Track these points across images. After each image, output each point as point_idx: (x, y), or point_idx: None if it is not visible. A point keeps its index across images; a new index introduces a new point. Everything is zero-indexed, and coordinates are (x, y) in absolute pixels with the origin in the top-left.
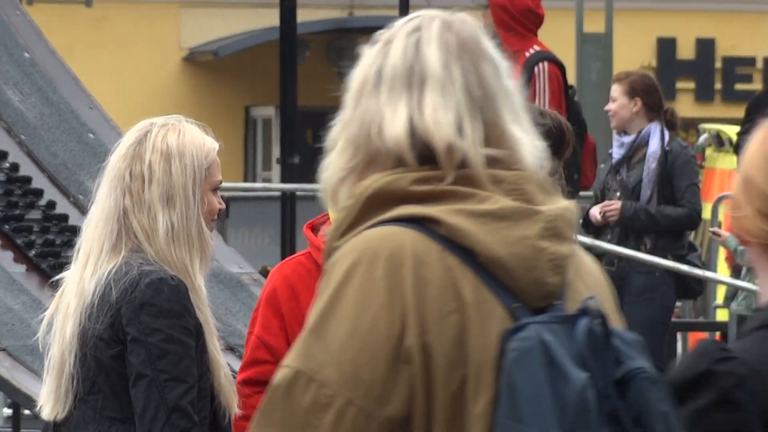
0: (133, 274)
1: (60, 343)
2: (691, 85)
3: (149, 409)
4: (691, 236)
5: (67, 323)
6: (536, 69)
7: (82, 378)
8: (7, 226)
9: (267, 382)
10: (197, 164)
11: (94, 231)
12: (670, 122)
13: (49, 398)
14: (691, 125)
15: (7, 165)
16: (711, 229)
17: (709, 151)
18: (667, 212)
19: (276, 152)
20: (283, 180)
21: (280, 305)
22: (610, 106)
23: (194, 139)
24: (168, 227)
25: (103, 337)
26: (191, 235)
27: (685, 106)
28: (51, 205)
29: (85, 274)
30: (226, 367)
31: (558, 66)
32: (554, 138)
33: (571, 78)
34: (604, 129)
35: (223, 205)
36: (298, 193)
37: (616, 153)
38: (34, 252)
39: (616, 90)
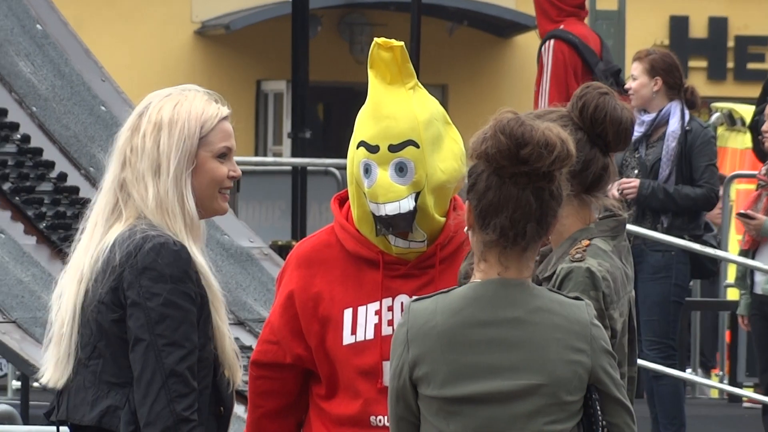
0: (137, 238)
1: (62, 310)
2: (704, 63)
3: (146, 373)
4: None
5: (70, 291)
6: (542, 48)
7: (83, 344)
8: (17, 198)
9: (269, 362)
10: (187, 133)
11: (100, 203)
12: (690, 101)
13: (49, 364)
14: (704, 104)
15: (19, 137)
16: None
17: (721, 130)
18: (685, 192)
19: (287, 126)
20: (294, 154)
21: (292, 283)
22: (630, 84)
23: (192, 108)
24: (155, 196)
25: (105, 301)
26: (173, 205)
27: (697, 85)
28: (62, 177)
29: (90, 243)
30: (231, 337)
31: (568, 43)
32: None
33: None
34: None
35: (237, 172)
36: (309, 168)
37: (636, 131)
38: (44, 224)
39: (636, 68)
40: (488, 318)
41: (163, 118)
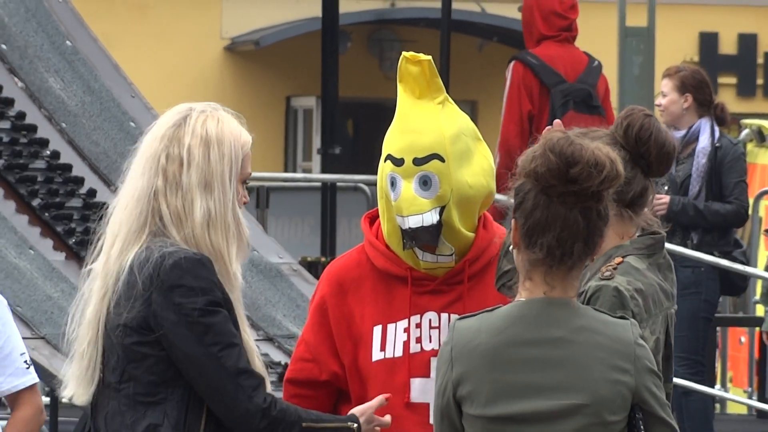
0: (154, 257)
1: (85, 325)
2: (733, 80)
3: (214, 384)
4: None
5: (89, 304)
6: (507, 69)
7: (112, 367)
8: (47, 214)
9: (305, 380)
10: (234, 154)
11: (123, 211)
12: (720, 117)
13: (71, 379)
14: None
15: (48, 153)
16: None
17: (750, 146)
18: (715, 208)
19: (316, 142)
20: (324, 170)
21: (326, 302)
22: (660, 101)
23: (232, 129)
24: (205, 213)
25: (132, 326)
26: (228, 222)
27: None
28: (91, 193)
29: (112, 254)
30: (257, 350)
31: (526, 64)
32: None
33: (612, 72)
34: None
35: (248, 199)
36: (339, 184)
37: None
38: (73, 240)
39: (666, 85)
40: (532, 337)
41: (209, 133)
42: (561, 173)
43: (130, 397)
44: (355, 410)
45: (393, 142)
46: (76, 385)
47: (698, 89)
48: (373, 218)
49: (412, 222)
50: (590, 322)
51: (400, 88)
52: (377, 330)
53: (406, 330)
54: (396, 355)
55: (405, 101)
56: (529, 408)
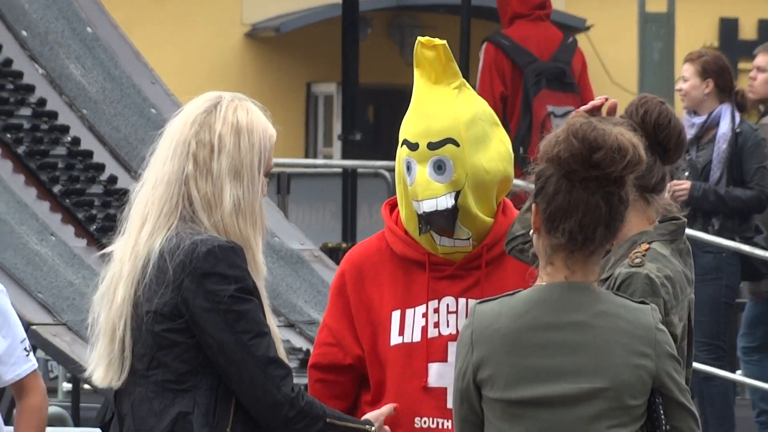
0: (185, 244)
1: (110, 307)
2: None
3: (245, 373)
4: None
5: (119, 287)
6: (480, 51)
7: (140, 354)
8: (68, 201)
9: (329, 364)
10: (263, 145)
11: (151, 194)
12: (740, 104)
13: (100, 363)
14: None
15: (69, 139)
16: None
17: None
18: (736, 194)
19: (337, 129)
20: (344, 156)
21: (347, 288)
22: (682, 86)
23: (261, 121)
24: (235, 201)
25: (163, 312)
26: (255, 211)
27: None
28: (112, 179)
29: (141, 236)
30: (280, 339)
31: (497, 45)
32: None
33: (632, 57)
34: None
35: (266, 192)
36: (359, 170)
37: (687, 133)
38: (95, 226)
39: (688, 70)
40: (552, 321)
41: (240, 122)
42: (584, 158)
43: (158, 384)
44: (369, 416)
45: (409, 126)
46: (107, 369)
47: (720, 75)
48: (394, 205)
49: (426, 206)
50: (611, 306)
51: (416, 73)
52: (396, 315)
53: (425, 315)
54: (414, 339)
55: (421, 86)
56: (549, 392)
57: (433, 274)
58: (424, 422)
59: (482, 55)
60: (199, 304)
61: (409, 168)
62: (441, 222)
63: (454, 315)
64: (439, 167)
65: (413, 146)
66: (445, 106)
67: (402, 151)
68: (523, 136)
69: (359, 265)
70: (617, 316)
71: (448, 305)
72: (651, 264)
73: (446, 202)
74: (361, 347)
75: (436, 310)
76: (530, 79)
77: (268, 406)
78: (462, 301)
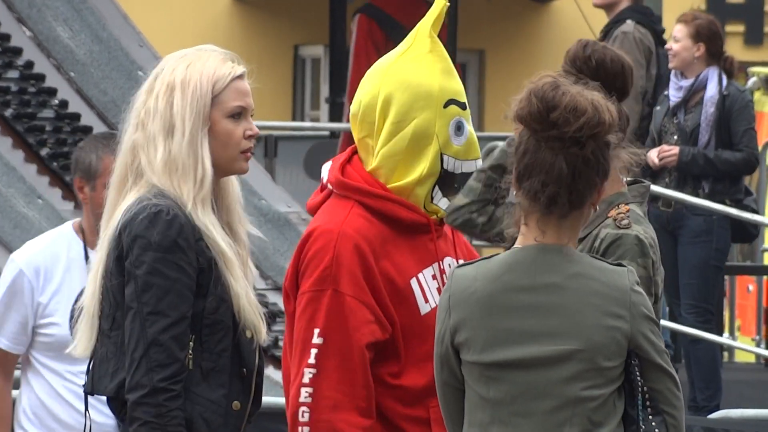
0: (138, 207)
1: (89, 282)
2: (741, 28)
3: (131, 342)
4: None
5: (93, 262)
6: (352, 22)
7: (105, 313)
8: (55, 164)
9: (375, 342)
10: (200, 93)
11: (116, 168)
12: (728, 71)
13: (77, 337)
14: (740, 69)
15: (57, 102)
16: None
17: (757, 95)
18: (725, 157)
19: (324, 92)
20: (332, 119)
21: (367, 264)
22: (672, 46)
23: (204, 68)
24: (166, 157)
25: (113, 271)
26: (186, 165)
27: (734, 50)
28: None
29: (108, 211)
30: (250, 296)
31: (370, 16)
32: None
33: None
34: None
35: (254, 130)
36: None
37: (674, 96)
38: None
39: (680, 31)
40: (526, 284)
41: (176, 78)
42: (542, 117)
43: (117, 346)
44: None
45: (450, 85)
46: (79, 341)
47: (712, 40)
48: (342, 167)
49: (480, 164)
50: (585, 268)
51: (431, 31)
52: (414, 283)
53: (434, 277)
54: (437, 302)
55: (438, 45)
56: (524, 354)
57: (432, 235)
58: None
59: (355, 27)
60: (126, 265)
61: (460, 128)
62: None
63: None
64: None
65: (462, 105)
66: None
67: (450, 111)
68: None
69: (370, 241)
70: (591, 278)
71: (450, 264)
72: (637, 225)
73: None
74: (391, 322)
75: (443, 271)
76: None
77: (132, 382)
78: (461, 262)
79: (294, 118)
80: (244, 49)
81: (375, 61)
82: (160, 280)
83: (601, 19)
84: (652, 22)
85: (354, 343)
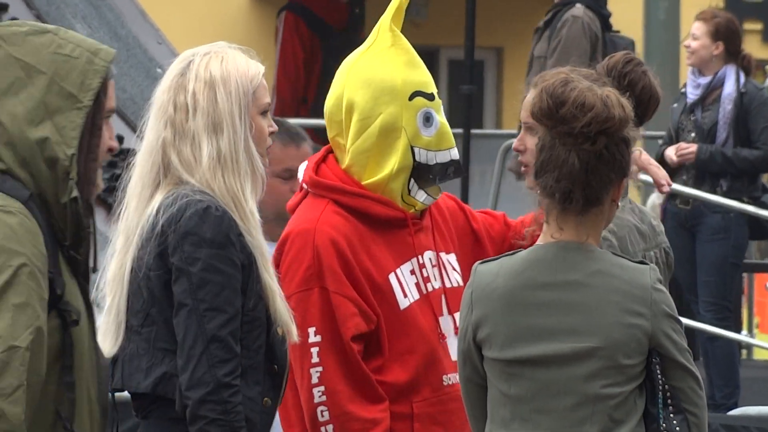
0: (181, 203)
1: (110, 279)
2: (758, 26)
3: (188, 339)
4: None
5: (117, 259)
6: (278, 19)
7: (135, 310)
8: None
9: (360, 335)
10: (242, 90)
11: (141, 165)
12: (746, 69)
13: (99, 334)
14: (758, 66)
15: None
16: None
17: None
18: (743, 155)
19: None
20: None
21: (346, 260)
22: (690, 43)
23: (238, 65)
24: (213, 155)
25: (152, 267)
26: (240, 161)
27: (751, 48)
28: (118, 139)
29: (129, 210)
30: (280, 293)
31: (296, 13)
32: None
33: (638, 17)
34: (671, 68)
35: (275, 128)
36: None
37: (691, 94)
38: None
39: (699, 28)
40: (547, 280)
41: (213, 74)
42: (551, 113)
43: (150, 342)
44: None
45: (415, 76)
46: (103, 339)
47: (730, 39)
48: (317, 166)
49: (454, 153)
50: (606, 266)
51: (392, 25)
52: (392, 278)
53: (413, 272)
54: (415, 297)
55: (400, 36)
56: (544, 351)
57: (411, 230)
58: (449, 379)
59: (281, 25)
60: (175, 261)
61: (428, 119)
62: (459, 170)
63: (437, 268)
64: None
65: (429, 96)
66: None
67: (417, 103)
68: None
69: (348, 237)
70: (612, 276)
71: (430, 258)
72: None
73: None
74: (375, 314)
75: (422, 266)
76: (329, 50)
77: (193, 379)
78: (442, 254)
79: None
80: (261, 48)
81: (301, 58)
82: (216, 276)
83: (621, 17)
84: (599, 6)
85: (344, 337)
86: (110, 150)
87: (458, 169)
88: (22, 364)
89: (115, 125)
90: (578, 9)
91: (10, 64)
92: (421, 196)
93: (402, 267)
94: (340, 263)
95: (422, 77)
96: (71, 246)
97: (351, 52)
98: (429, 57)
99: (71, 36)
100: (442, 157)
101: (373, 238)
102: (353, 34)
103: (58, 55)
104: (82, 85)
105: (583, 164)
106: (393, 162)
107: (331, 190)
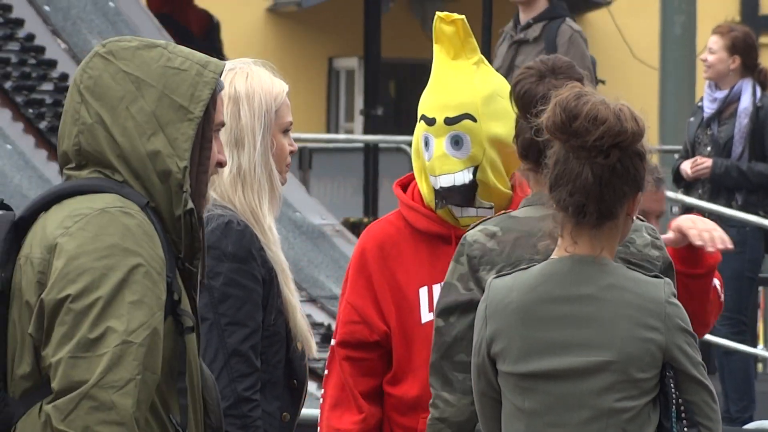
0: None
1: None
2: None
3: (209, 352)
4: None
5: None
6: None
7: None
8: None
9: (356, 342)
10: (266, 107)
11: None
12: (762, 83)
13: None
14: None
15: None
16: None
17: None
18: (759, 169)
19: (359, 103)
20: (366, 131)
21: (368, 267)
22: (707, 57)
23: (262, 82)
24: (234, 170)
25: None
26: (259, 177)
27: (767, 62)
28: None
29: None
30: (300, 309)
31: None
32: None
33: (654, 31)
34: (688, 81)
35: (295, 147)
36: (381, 145)
37: (708, 108)
38: None
39: (716, 42)
40: (561, 294)
41: (238, 90)
42: (564, 127)
43: None
44: None
45: (426, 101)
46: None
47: (747, 53)
48: (404, 185)
49: (444, 181)
50: (620, 279)
51: (436, 48)
52: (423, 292)
53: None
54: None
55: (440, 62)
56: (558, 365)
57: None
58: None
59: None
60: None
61: (426, 143)
62: (457, 199)
63: None
64: (456, 142)
65: (431, 121)
66: (463, 81)
67: (420, 127)
68: None
69: (380, 243)
70: (625, 289)
71: None
72: (482, 225)
73: (464, 177)
74: (386, 324)
75: None
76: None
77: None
78: None
79: (328, 130)
80: (278, 61)
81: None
82: (238, 291)
83: (637, 32)
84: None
85: (335, 340)
86: (219, 164)
87: (449, 198)
88: (136, 359)
89: None
90: (571, 22)
91: (121, 78)
92: (458, 212)
93: (439, 285)
94: (360, 269)
95: (429, 100)
96: (186, 258)
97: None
98: None
99: (180, 50)
100: (444, 181)
101: (416, 250)
102: (211, 42)
103: (168, 68)
104: (192, 96)
105: (597, 178)
106: (423, 180)
107: (400, 203)
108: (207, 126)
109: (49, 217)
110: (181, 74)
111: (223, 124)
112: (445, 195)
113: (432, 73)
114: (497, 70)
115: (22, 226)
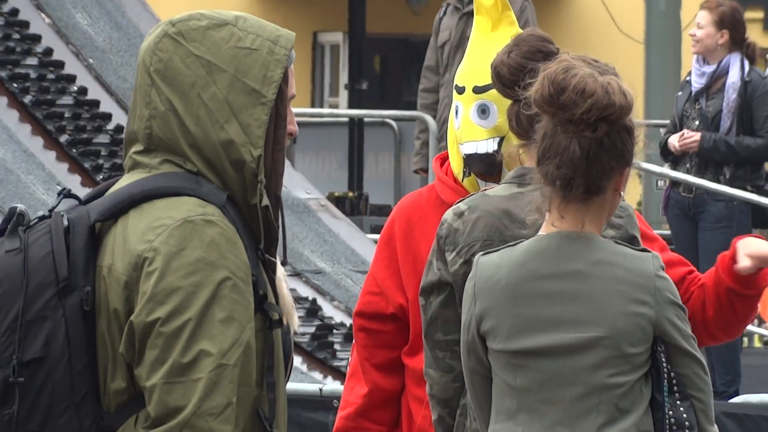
0: None
1: None
2: (760, 14)
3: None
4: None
5: None
6: None
7: None
8: (74, 150)
9: (372, 313)
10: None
11: None
12: (750, 57)
13: None
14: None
15: (76, 89)
16: None
17: None
18: (747, 143)
19: (343, 78)
20: (351, 106)
21: (394, 239)
22: (695, 32)
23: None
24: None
25: None
26: None
27: (753, 36)
28: (119, 129)
29: None
30: (286, 283)
31: None
32: None
33: (639, 6)
34: (673, 55)
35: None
36: (366, 119)
37: (696, 82)
38: (101, 176)
39: (704, 18)
40: (550, 271)
41: None
42: (552, 99)
43: None
44: None
45: (460, 71)
46: None
47: (735, 27)
48: (444, 159)
49: (467, 149)
50: (608, 255)
51: (475, 20)
52: None
53: None
54: None
55: (478, 33)
56: (549, 342)
57: None
58: None
59: None
60: None
61: (457, 112)
62: (480, 167)
63: None
64: (483, 111)
65: (460, 89)
66: (496, 52)
67: (453, 96)
68: None
69: (409, 215)
70: (614, 265)
71: None
72: (459, 202)
73: (487, 146)
74: (405, 297)
75: None
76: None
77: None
78: None
79: (313, 105)
80: None
81: None
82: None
83: (622, 9)
84: None
85: (354, 311)
86: (290, 134)
87: (472, 165)
88: (231, 381)
89: (115, 114)
90: None
91: (191, 62)
92: (481, 184)
93: None
94: (387, 240)
95: (462, 69)
96: (265, 248)
97: None
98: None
99: (250, 25)
100: (467, 149)
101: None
102: None
103: (239, 49)
104: (265, 78)
105: (584, 151)
106: (454, 151)
107: (435, 176)
108: (281, 104)
109: (129, 226)
110: (253, 54)
111: (294, 96)
112: (468, 162)
113: (469, 44)
114: (445, 42)
115: (99, 229)
